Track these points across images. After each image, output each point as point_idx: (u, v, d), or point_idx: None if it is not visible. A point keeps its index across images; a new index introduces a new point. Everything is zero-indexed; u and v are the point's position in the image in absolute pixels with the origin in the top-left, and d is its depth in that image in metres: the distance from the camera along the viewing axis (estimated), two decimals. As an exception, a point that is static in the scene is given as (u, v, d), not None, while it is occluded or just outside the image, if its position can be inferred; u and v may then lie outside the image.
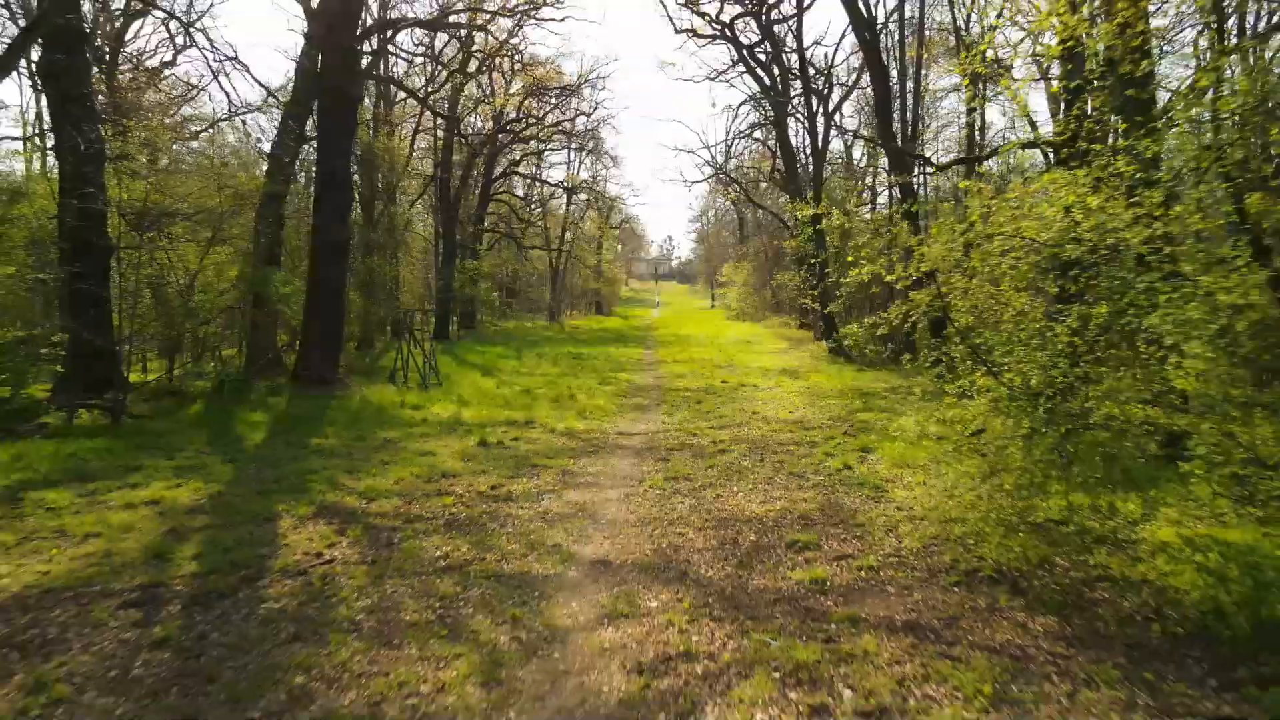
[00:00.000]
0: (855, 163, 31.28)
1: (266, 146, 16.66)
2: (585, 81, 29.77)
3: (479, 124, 30.59)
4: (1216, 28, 6.31)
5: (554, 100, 29.77)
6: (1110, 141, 5.73)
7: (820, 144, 24.05)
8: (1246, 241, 4.90)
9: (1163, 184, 3.83)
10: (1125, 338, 4.63)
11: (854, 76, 25.86)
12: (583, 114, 32.21)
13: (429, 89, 20.82)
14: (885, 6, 21.91)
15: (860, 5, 15.11)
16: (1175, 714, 3.19)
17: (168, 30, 23.59)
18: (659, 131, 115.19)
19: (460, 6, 17.94)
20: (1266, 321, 3.19)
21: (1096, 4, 5.92)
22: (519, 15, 18.76)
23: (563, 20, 30.30)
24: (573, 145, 35.47)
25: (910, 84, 20.06)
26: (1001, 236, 4.59)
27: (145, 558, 5.02)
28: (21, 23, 14.16)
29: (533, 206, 41.12)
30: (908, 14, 21.24)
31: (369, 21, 15.94)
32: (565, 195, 40.61)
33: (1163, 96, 8.69)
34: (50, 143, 17.30)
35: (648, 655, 3.76)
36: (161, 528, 5.61)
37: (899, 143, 15.39)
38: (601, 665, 3.69)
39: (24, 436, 8.30)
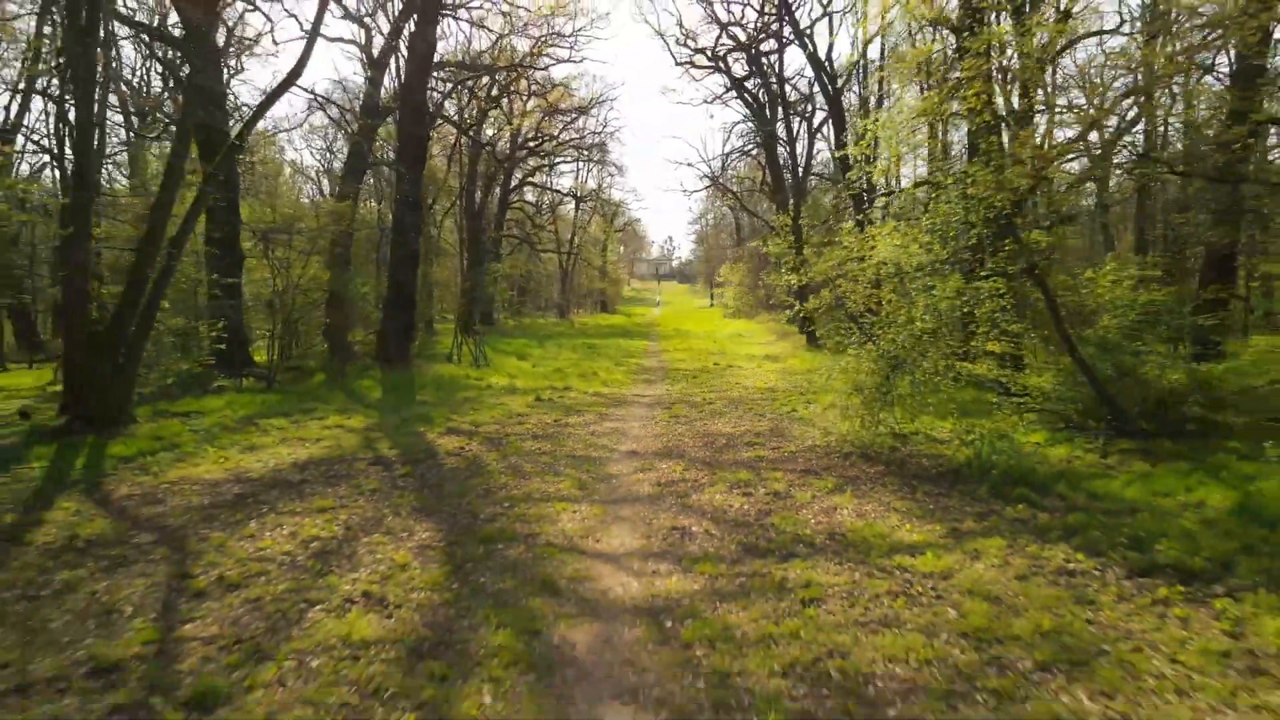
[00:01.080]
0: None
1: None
2: (594, 103, 33.21)
3: (493, 134, 33.99)
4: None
5: (566, 120, 33.21)
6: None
7: (806, 159, 27.49)
8: (1025, 263, 8.33)
9: (937, 231, 7.20)
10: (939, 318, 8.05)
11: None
12: (592, 131, 35.68)
13: (462, 117, 24.29)
14: (859, 41, 25.32)
15: (825, 62, 18.53)
16: (916, 490, 6.61)
17: (224, 56, 27.13)
18: (662, 145, 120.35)
19: (485, 55, 21.42)
20: (953, 309, 6.62)
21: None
22: (542, 62, 22.21)
23: (580, 62, 34.25)
24: (581, 158, 38.91)
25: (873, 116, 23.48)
26: (864, 258, 7.99)
27: (360, 448, 8.44)
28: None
29: (543, 212, 44.55)
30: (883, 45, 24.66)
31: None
32: (574, 202, 44.17)
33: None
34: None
35: (662, 480, 7.18)
36: (356, 437, 9.03)
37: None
38: (637, 484, 7.11)
39: (215, 394, 11.70)
